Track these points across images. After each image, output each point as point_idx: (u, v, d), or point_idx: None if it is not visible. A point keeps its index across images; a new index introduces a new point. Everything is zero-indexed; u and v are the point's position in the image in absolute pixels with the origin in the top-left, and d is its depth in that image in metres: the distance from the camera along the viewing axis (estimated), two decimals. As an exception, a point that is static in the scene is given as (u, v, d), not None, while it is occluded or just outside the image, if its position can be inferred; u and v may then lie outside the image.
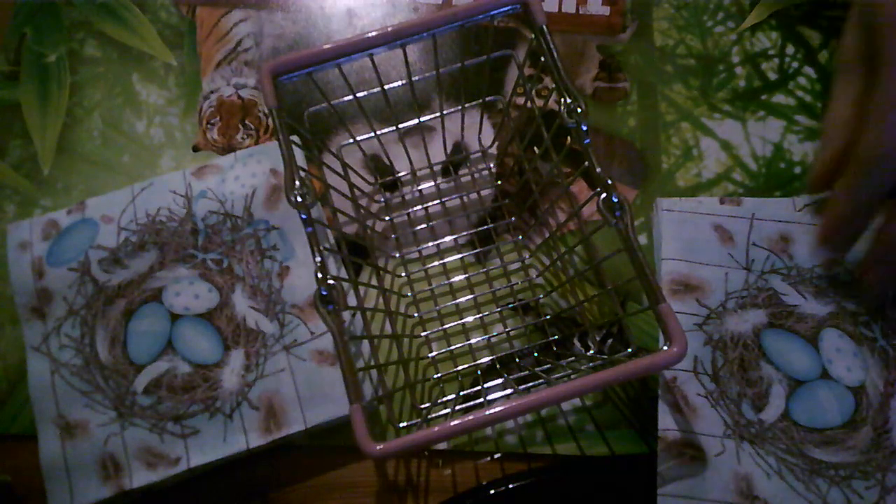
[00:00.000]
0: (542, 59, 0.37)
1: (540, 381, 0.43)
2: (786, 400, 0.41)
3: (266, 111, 0.50)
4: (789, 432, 0.41)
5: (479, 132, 0.49)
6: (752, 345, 0.42)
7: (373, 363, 0.43)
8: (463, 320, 0.45)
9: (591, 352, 0.44)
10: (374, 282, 0.45)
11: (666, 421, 0.40)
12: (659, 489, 0.39)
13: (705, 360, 0.42)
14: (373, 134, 0.45)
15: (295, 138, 0.44)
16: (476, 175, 0.49)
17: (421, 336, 0.45)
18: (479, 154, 0.49)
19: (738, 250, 0.44)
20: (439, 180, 0.49)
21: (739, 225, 0.44)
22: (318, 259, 0.34)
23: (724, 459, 0.40)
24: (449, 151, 0.49)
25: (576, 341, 0.45)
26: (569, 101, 0.35)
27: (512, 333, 0.45)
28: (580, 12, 0.52)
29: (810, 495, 0.39)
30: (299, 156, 0.46)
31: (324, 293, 0.34)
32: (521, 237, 0.47)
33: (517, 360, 0.44)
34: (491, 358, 0.44)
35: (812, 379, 0.42)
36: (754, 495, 0.39)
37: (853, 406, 0.41)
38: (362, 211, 0.47)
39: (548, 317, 0.45)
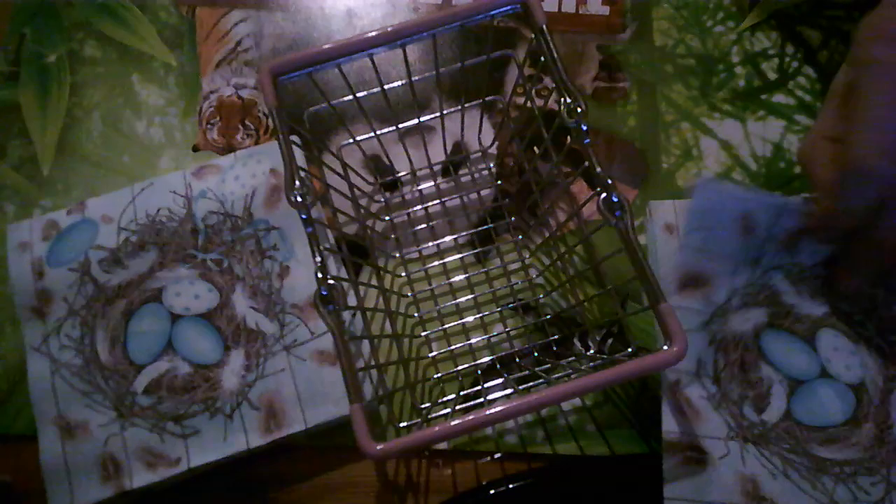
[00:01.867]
0: (542, 59, 0.37)
1: (540, 380, 0.43)
2: (787, 400, 0.41)
3: (266, 111, 0.50)
4: (792, 432, 0.41)
5: (479, 132, 0.49)
6: (752, 346, 0.42)
7: (373, 363, 0.43)
8: (463, 320, 0.45)
9: (591, 351, 0.44)
10: (374, 282, 0.45)
11: (670, 424, 0.41)
12: (665, 492, 0.39)
13: (707, 361, 0.42)
14: (373, 134, 0.45)
15: (295, 138, 0.44)
16: (476, 175, 0.49)
17: (421, 336, 0.45)
18: (479, 154, 0.49)
19: (753, 243, 0.43)
20: (439, 180, 0.49)
21: (766, 215, 0.43)
22: (318, 259, 0.34)
23: (728, 462, 0.40)
24: (449, 151, 0.49)
25: (576, 341, 0.45)
26: (569, 100, 0.35)
27: (512, 333, 0.45)
28: (580, 12, 0.52)
29: (817, 493, 0.39)
30: (299, 156, 0.46)
31: (324, 293, 0.34)
32: (521, 237, 0.47)
33: (517, 359, 0.44)
34: (491, 358, 0.44)
35: (811, 378, 0.42)
36: (761, 496, 0.39)
37: (854, 403, 0.41)
38: (362, 211, 0.47)
39: (548, 317, 0.45)
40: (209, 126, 0.50)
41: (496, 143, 0.49)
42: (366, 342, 0.44)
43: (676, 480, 0.40)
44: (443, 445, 0.43)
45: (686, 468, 0.40)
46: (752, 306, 0.43)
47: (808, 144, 0.41)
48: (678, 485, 0.39)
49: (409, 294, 0.46)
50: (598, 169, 0.35)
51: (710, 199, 0.44)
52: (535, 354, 0.44)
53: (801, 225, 0.43)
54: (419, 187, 0.48)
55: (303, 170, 0.36)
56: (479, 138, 0.49)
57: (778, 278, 0.43)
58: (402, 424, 0.42)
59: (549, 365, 0.43)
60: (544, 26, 0.36)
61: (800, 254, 0.44)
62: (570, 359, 0.43)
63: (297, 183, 0.35)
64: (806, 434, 0.41)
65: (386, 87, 0.41)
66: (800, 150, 0.42)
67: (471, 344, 0.45)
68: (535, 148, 0.47)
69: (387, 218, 0.48)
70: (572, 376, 0.42)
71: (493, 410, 0.32)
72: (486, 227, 0.47)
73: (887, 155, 0.37)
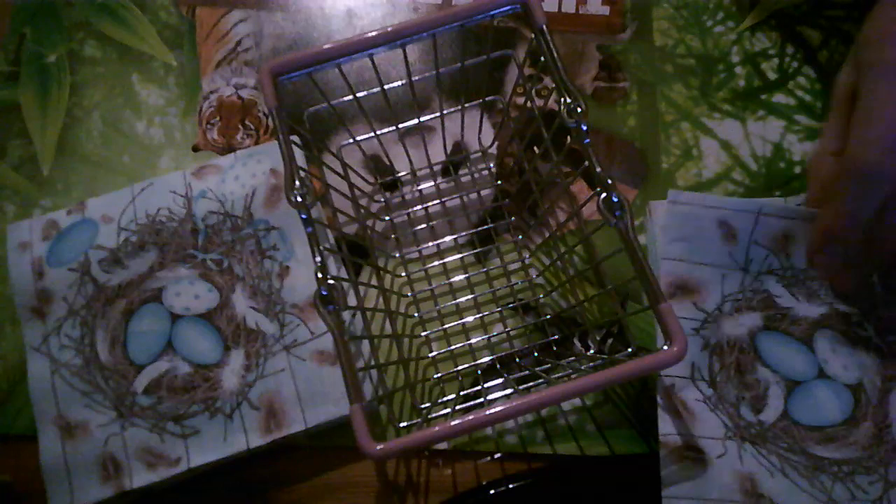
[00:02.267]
0: (542, 59, 0.37)
1: (540, 380, 0.43)
2: (784, 400, 0.41)
3: (266, 111, 0.50)
4: (790, 431, 0.41)
5: (479, 132, 0.49)
6: (748, 348, 0.42)
7: (373, 363, 0.43)
8: (463, 320, 0.45)
9: (591, 351, 0.44)
10: (374, 282, 0.45)
11: (666, 426, 0.40)
12: (663, 491, 0.39)
13: (702, 365, 0.42)
14: (373, 134, 0.45)
15: (295, 138, 0.44)
16: (476, 175, 0.49)
17: (421, 336, 0.45)
18: (479, 154, 0.49)
19: (738, 249, 0.44)
20: (439, 180, 0.49)
21: (745, 221, 0.43)
22: (318, 259, 0.34)
23: (726, 460, 0.40)
24: (449, 151, 0.49)
25: (576, 341, 0.45)
26: (569, 100, 0.35)
27: (512, 333, 0.45)
28: (580, 12, 0.52)
29: (815, 491, 0.39)
30: (299, 156, 0.46)
31: (324, 293, 0.34)
32: (521, 237, 0.47)
33: (517, 359, 0.44)
34: (491, 358, 0.44)
35: (809, 379, 0.42)
36: (759, 493, 0.39)
37: (852, 403, 0.41)
38: (362, 211, 0.47)
39: (548, 317, 0.45)
40: (209, 126, 0.50)
41: (496, 143, 0.49)
42: (366, 342, 0.44)
43: (674, 480, 0.40)
44: (443, 445, 0.43)
45: (684, 468, 0.40)
46: (747, 311, 0.43)
47: (815, 160, 0.41)
48: (677, 485, 0.39)
49: (409, 294, 0.46)
50: (598, 169, 0.35)
51: (683, 209, 0.43)
52: (535, 354, 0.44)
53: (808, 247, 0.42)
54: (419, 187, 0.48)
55: (303, 170, 0.36)
56: (479, 138, 0.49)
57: (771, 282, 0.43)
58: (402, 424, 0.42)
59: (549, 365, 0.43)
60: (544, 26, 0.36)
61: (792, 257, 0.44)
62: (570, 359, 0.43)
63: (297, 183, 0.35)
64: (803, 433, 0.41)
65: (386, 87, 0.41)
66: (807, 164, 0.42)
67: (471, 344, 0.45)
68: (535, 148, 0.47)
69: (387, 218, 0.48)
70: (572, 376, 0.42)
71: (493, 410, 0.32)
72: (486, 227, 0.47)
73: (892, 154, 0.37)
